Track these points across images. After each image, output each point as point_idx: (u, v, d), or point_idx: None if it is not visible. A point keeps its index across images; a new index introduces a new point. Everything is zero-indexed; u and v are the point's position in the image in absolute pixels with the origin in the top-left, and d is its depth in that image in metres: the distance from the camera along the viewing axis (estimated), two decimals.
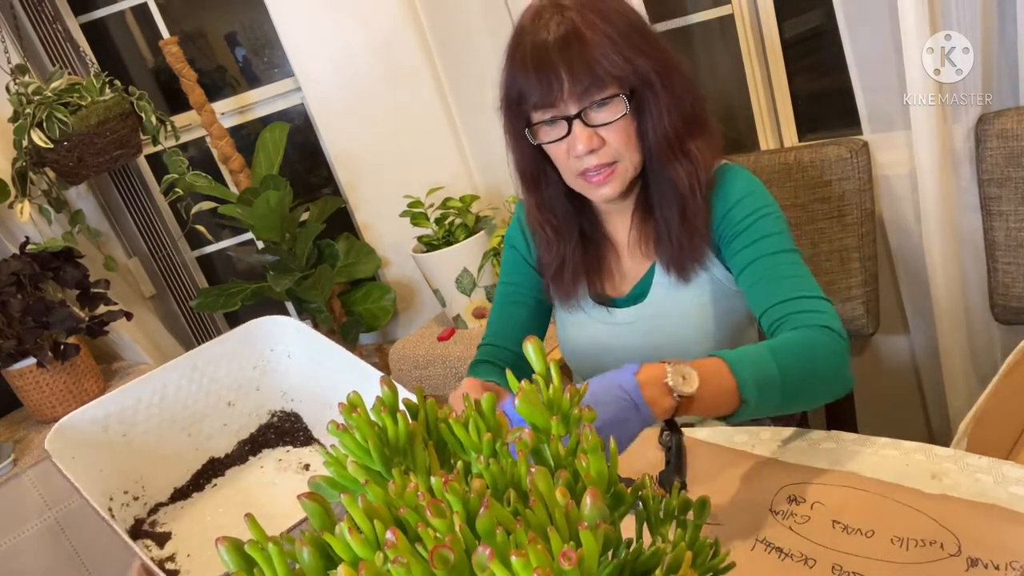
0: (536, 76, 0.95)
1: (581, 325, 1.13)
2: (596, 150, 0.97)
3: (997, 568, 0.62)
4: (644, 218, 1.08)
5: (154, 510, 1.09)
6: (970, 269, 1.41)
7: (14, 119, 1.74)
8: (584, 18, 0.94)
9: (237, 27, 2.23)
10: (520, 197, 1.14)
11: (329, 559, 0.43)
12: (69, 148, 1.74)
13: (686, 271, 1.04)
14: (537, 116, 0.98)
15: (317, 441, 1.18)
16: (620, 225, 1.11)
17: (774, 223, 1.01)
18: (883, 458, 0.79)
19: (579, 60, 0.93)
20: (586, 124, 0.96)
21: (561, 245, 1.10)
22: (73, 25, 2.11)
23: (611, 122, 0.96)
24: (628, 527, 0.49)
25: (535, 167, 1.07)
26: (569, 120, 0.96)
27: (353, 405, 0.51)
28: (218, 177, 2.14)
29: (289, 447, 1.18)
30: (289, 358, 1.20)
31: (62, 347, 1.69)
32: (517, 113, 1.01)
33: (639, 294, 1.10)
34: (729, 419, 0.82)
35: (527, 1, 1.63)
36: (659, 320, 1.07)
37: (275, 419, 1.21)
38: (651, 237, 1.07)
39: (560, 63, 0.93)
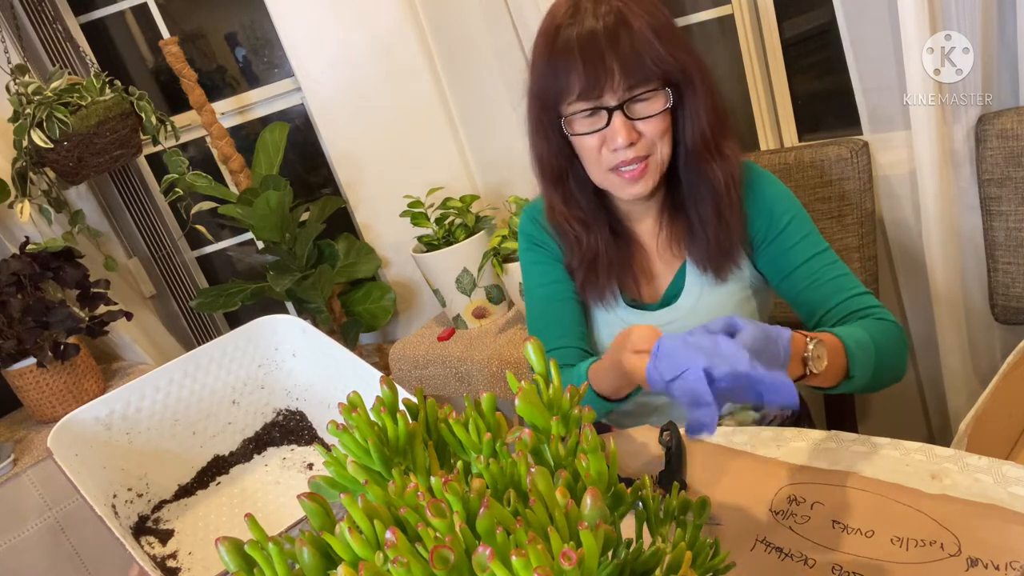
0: (583, 65, 0.92)
1: (615, 329, 1.11)
2: (634, 143, 0.96)
3: (997, 568, 0.62)
4: (672, 218, 1.07)
5: (158, 507, 1.09)
6: (970, 269, 1.42)
7: (14, 119, 1.74)
8: (630, 8, 0.93)
9: (237, 27, 2.23)
10: (543, 193, 1.11)
11: (329, 559, 0.43)
12: (69, 148, 1.74)
13: (723, 269, 1.04)
14: (576, 107, 0.96)
15: (320, 441, 1.18)
16: (646, 227, 1.11)
17: (807, 223, 1.05)
18: (883, 458, 0.79)
19: (630, 51, 0.92)
20: (627, 117, 0.95)
21: (591, 238, 1.08)
22: (73, 25, 2.11)
23: (652, 116, 0.96)
24: (628, 527, 0.49)
25: (563, 161, 1.04)
26: (610, 111, 0.95)
27: (353, 405, 0.51)
28: (218, 177, 2.14)
29: (294, 446, 1.18)
30: (294, 357, 1.20)
31: (62, 347, 1.69)
32: (553, 104, 0.99)
33: (672, 296, 1.09)
34: (818, 390, 0.89)
35: (527, 1, 1.64)
36: (694, 320, 1.06)
37: (280, 418, 1.21)
38: (681, 237, 1.07)
39: (611, 53, 0.92)
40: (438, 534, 0.39)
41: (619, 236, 1.10)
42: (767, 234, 1.04)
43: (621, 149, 0.96)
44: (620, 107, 0.94)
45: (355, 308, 2.16)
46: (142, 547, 1.01)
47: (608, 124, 0.95)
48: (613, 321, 1.10)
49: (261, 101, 2.19)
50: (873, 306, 0.99)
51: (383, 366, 2.16)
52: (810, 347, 0.81)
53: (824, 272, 1.01)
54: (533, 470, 0.43)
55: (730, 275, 1.05)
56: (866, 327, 0.93)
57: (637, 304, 1.11)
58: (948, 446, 0.79)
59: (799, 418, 1.17)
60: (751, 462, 0.86)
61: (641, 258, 1.11)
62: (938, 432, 1.63)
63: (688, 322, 1.06)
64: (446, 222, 1.87)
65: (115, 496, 1.05)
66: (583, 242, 1.08)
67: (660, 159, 0.99)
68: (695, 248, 1.05)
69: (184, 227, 2.17)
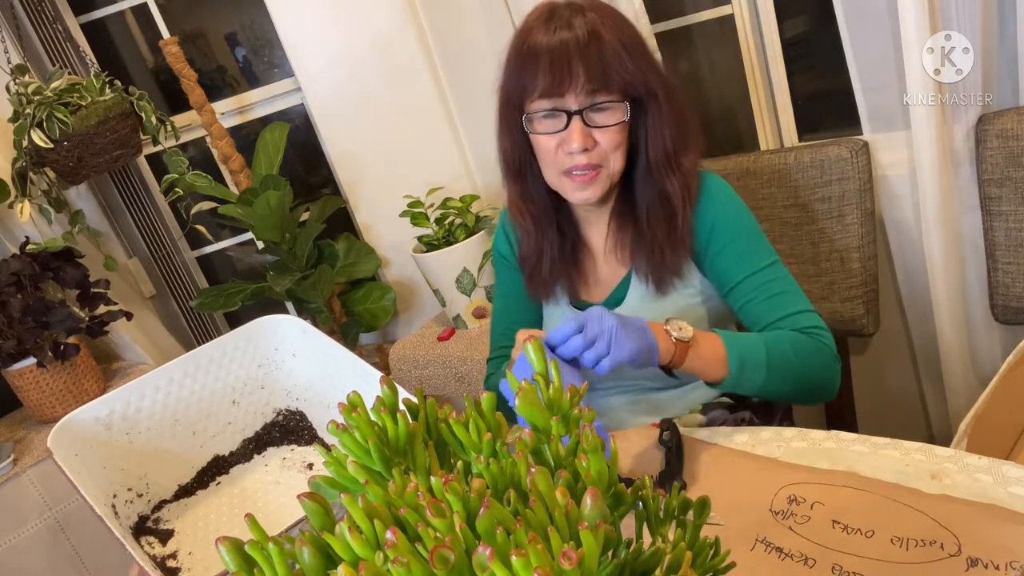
0: (550, 64, 0.95)
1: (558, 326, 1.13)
2: (588, 150, 0.98)
3: (997, 568, 0.62)
4: (621, 225, 1.09)
5: (158, 507, 1.09)
6: (970, 269, 1.42)
7: (14, 119, 1.74)
8: (603, 21, 0.96)
9: (237, 27, 2.23)
10: (504, 186, 1.15)
11: (329, 559, 0.43)
12: (69, 148, 1.74)
13: (664, 283, 1.06)
14: (538, 105, 0.99)
15: (320, 441, 1.18)
16: (596, 231, 1.13)
17: (755, 236, 1.06)
18: (883, 458, 0.79)
19: (597, 59, 0.95)
20: (585, 123, 0.97)
21: (539, 236, 1.12)
22: (73, 25, 2.11)
23: (608, 126, 0.98)
24: (628, 527, 0.49)
25: (523, 156, 1.08)
26: (569, 115, 0.97)
27: (353, 405, 0.51)
28: (218, 177, 2.14)
29: (294, 446, 1.18)
30: (294, 357, 1.20)
31: (62, 347, 1.69)
32: (518, 100, 1.02)
33: (615, 301, 1.11)
34: (717, 387, 0.95)
35: (527, 1, 1.64)
36: None
37: (280, 418, 1.21)
38: (628, 244, 1.09)
39: (578, 58, 0.94)
40: (438, 534, 0.39)
41: (567, 238, 1.13)
42: (708, 248, 1.05)
43: (576, 153, 0.98)
44: (580, 112, 0.97)
45: (355, 308, 2.16)
46: (142, 547, 1.01)
47: (566, 127, 0.98)
48: (559, 318, 1.14)
49: (261, 101, 2.19)
50: (813, 326, 1.00)
51: (383, 366, 2.16)
52: (666, 325, 0.89)
53: (765, 288, 1.03)
54: (533, 470, 0.43)
55: (672, 289, 1.06)
56: (770, 336, 0.97)
57: (582, 305, 1.14)
58: (948, 446, 0.79)
59: (771, 416, 1.17)
60: (751, 462, 0.86)
61: (588, 261, 1.14)
62: (938, 432, 1.63)
63: None
64: (446, 222, 1.87)
65: (115, 496, 1.05)
66: (531, 237, 1.13)
67: (611, 171, 1.02)
68: (642, 260, 1.07)
69: (184, 227, 2.17)
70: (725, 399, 1.14)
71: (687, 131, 1.03)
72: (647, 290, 1.07)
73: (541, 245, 1.12)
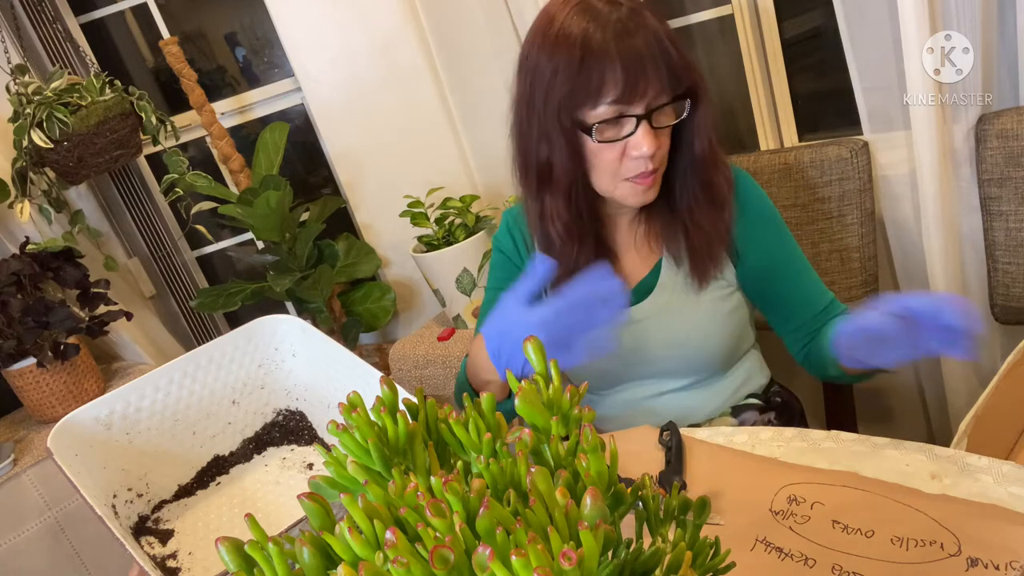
0: (624, 72, 0.89)
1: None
2: (653, 153, 0.94)
3: (997, 568, 0.62)
4: (649, 215, 1.08)
5: (158, 507, 1.09)
6: (970, 269, 1.41)
7: (14, 119, 1.74)
8: (653, 15, 0.92)
9: (237, 27, 2.23)
10: (536, 199, 1.04)
11: (329, 559, 0.43)
12: (69, 148, 1.74)
13: (707, 278, 1.05)
14: (602, 112, 0.92)
15: (320, 441, 1.18)
16: (623, 223, 1.11)
17: (782, 230, 1.08)
18: (883, 458, 0.79)
19: (663, 60, 0.90)
20: (651, 126, 0.93)
21: (571, 245, 1.05)
22: (73, 25, 2.11)
23: (668, 126, 0.96)
24: (628, 527, 0.49)
25: (565, 165, 0.98)
26: (637, 119, 0.92)
27: (353, 405, 0.51)
28: (218, 177, 2.14)
29: (294, 446, 1.18)
30: (294, 357, 1.20)
31: (62, 347, 1.69)
32: (569, 107, 0.93)
33: (644, 291, 1.09)
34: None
35: (528, 1, 1.64)
36: (665, 318, 1.07)
37: (280, 418, 1.21)
38: (657, 234, 1.08)
39: (651, 61, 0.89)
40: (438, 534, 0.39)
41: (600, 242, 1.08)
42: (748, 239, 1.05)
43: (644, 158, 0.94)
44: (648, 116, 0.92)
45: (355, 308, 2.16)
46: (142, 547, 1.01)
47: (634, 132, 0.93)
48: None
49: (261, 101, 2.19)
50: (843, 311, 1.06)
51: (383, 366, 2.16)
52: None
53: (802, 279, 1.07)
54: (533, 470, 0.43)
55: (711, 280, 1.06)
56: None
57: None
58: (948, 446, 0.79)
59: (791, 417, 1.17)
60: (751, 462, 0.86)
61: (612, 256, 1.12)
62: (938, 432, 1.63)
63: (659, 319, 1.07)
64: (446, 222, 1.87)
65: (115, 496, 1.05)
66: (572, 248, 1.05)
67: (662, 170, 1.00)
68: (679, 252, 1.06)
69: (184, 227, 2.17)
70: (753, 400, 1.14)
71: (720, 124, 1.03)
72: (684, 283, 1.06)
73: (575, 260, 1.04)
